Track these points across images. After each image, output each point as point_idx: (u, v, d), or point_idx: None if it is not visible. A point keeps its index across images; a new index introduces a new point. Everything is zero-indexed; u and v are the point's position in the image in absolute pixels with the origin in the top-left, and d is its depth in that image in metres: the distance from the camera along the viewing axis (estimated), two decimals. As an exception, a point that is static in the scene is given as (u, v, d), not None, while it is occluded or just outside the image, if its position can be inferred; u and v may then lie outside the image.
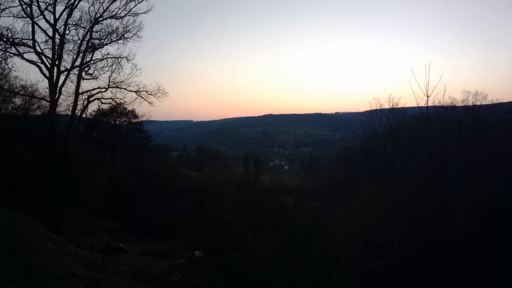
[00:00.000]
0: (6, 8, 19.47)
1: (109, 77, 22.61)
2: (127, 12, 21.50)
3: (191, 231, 27.82)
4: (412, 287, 12.01)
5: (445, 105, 25.44)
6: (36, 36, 20.05)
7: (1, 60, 19.87)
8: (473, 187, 14.97)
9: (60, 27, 20.61)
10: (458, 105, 36.38)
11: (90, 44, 21.62)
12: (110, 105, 26.09)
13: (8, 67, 20.63)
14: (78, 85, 21.71)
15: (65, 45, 20.81)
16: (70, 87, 21.79)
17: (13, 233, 9.77)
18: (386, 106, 33.98)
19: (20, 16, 19.73)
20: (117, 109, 38.43)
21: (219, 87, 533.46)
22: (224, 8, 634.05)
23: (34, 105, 30.07)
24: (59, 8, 20.52)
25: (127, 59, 22.56)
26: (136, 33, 22.07)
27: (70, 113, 22.26)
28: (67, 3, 20.49)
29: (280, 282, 13.28)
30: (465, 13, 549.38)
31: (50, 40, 20.43)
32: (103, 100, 23.46)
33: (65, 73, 21.17)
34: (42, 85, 40.36)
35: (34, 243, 9.24)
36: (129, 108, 30.19)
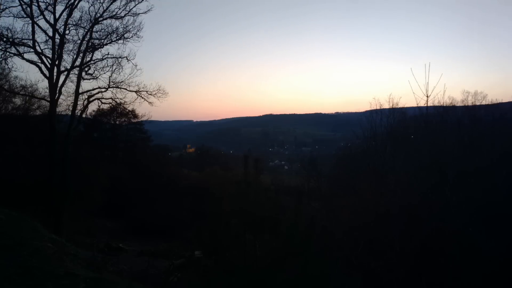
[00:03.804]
0: (6, 8, 19.52)
1: (109, 77, 22.67)
2: (127, 12, 21.54)
3: (191, 231, 27.85)
4: (412, 287, 12.01)
5: (445, 105, 25.42)
6: (36, 36, 20.11)
7: (1, 60, 19.92)
8: (473, 187, 14.96)
9: (60, 27, 20.65)
10: (458, 105, 36.40)
11: (90, 44, 21.63)
12: (110, 105, 26.14)
13: (8, 67, 20.69)
14: (78, 85, 21.74)
15: (65, 45, 20.85)
16: (70, 87, 21.84)
17: (13, 233, 9.78)
18: (386, 106, 33.97)
19: (20, 16, 19.78)
20: (117, 109, 38.44)
21: (219, 87, 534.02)
22: (225, 8, 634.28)
23: (34, 105, 30.06)
24: (59, 8, 20.58)
25: (127, 59, 22.59)
26: (136, 33, 22.11)
27: (70, 113, 22.27)
28: (67, 3, 20.52)
29: (280, 282, 13.29)
30: (465, 13, 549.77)
31: (50, 40, 20.47)
32: (103, 100, 23.51)
33: (65, 73, 21.21)
34: (42, 85, 40.37)
35: (34, 243, 9.24)
36: (129, 108, 30.22)
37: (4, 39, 19.56)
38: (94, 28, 21.56)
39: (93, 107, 40.55)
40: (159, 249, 24.46)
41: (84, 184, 28.66)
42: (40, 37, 20.67)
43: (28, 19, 19.79)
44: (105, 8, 21.15)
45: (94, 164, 33.31)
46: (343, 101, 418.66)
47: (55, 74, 20.64)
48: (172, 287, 16.12)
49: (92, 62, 22.12)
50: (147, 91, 23.21)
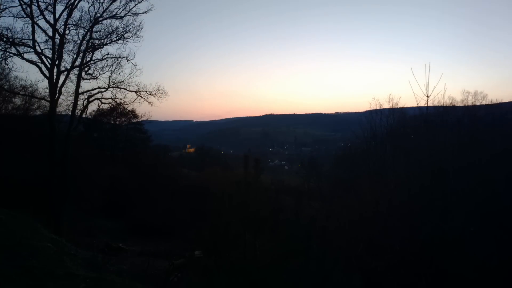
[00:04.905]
0: (6, 8, 19.48)
1: (109, 77, 22.64)
2: (127, 12, 21.51)
3: (191, 231, 27.83)
4: (412, 287, 12.01)
5: (445, 105, 25.50)
6: (36, 36, 20.07)
7: (1, 60, 19.87)
8: (473, 187, 14.97)
9: (60, 27, 20.62)
10: (458, 105, 36.49)
11: (90, 44, 21.61)
12: (110, 105, 26.10)
13: (8, 67, 20.64)
14: (78, 85, 21.72)
15: (65, 45, 20.81)
16: (70, 87, 21.82)
17: (13, 233, 9.77)
18: (386, 106, 34.10)
19: (20, 16, 19.74)
20: (117, 109, 38.36)
21: (219, 87, 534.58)
22: (225, 8, 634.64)
23: (34, 105, 30.07)
24: (59, 8, 20.54)
25: (127, 59, 22.56)
26: (136, 33, 22.06)
27: (70, 113, 22.25)
28: (67, 3, 20.49)
29: (280, 282, 13.29)
30: (465, 13, 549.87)
31: (50, 40, 20.44)
32: (103, 100, 23.48)
33: (65, 73, 21.19)
34: (42, 85, 40.42)
35: (34, 243, 9.24)
36: (129, 108, 30.21)
37: (4, 39, 19.53)
38: (94, 28, 21.55)
39: (93, 107, 40.52)
40: (159, 249, 24.44)
41: (84, 184, 28.65)
42: (40, 37, 20.66)
43: (28, 19, 19.77)
44: (105, 8, 21.15)
45: (94, 164, 33.30)
46: (343, 101, 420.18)
47: (55, 74, 20.62)
48: (172, 287, 16.12)
49: (92, 62, 22.12)
50: (147, 91, 23.21)
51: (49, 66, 20.44)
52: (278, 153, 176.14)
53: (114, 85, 22.82)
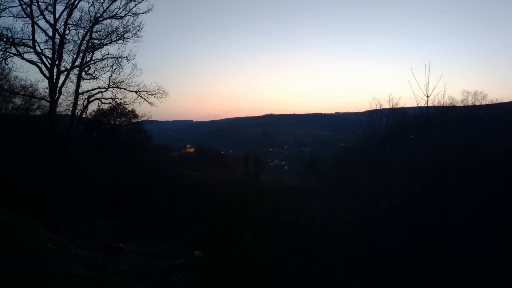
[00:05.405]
0: (6, 8, 19.46)
1: (109, 77, 22.61)
2: (127, 12, 21.47)
3: (191, 231, 27.82)
4: (412, 287, 12.01)
5: (445, 105, 25.48)
6: (36, 36, 20.05)
7: (1, 60, 19.85)
8: (473, 187, 14.96)
9: (60, 27, 20.60)
10: (458, 105, 36.51)
11: (90, 44, 21.59)
12: (110, 105, 26.06)
13: (8, 67, 20.60)
14: (78, 85, 21.71)
15: (65, 45, 20.79)
16: (70, 87, 21.80)
17: (13, 233, 9.78)
18: (386, 106, 34.13)
19: (20, 16, 19.73)
20: (117, 109, 38.36)
21: (219, 87, 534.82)
22: (226, 8, 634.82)
23: (34, 105, 30.04)
24: (59, 8, 20.52)
25: (127, 59, 22.53)
26: (136, 33, 22.02)
27: (70, 113, 22.25)
28: (67, 3, 20.48)
29: (280, 282, 13.29)
30: (465, 12, 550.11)
31: (50, 40, 20.42)
32: (103, 100, 23.44)
33: (65, 73, 21.17)
34: (42, 85, 40.40)
35: (34, 243, 9.25)
36: (129, 108, 30.17)
37: (4, 39, 19.52)
38: (94, 28, 21.52)
39: (93, 107, 40.65)
40: (159, 249, 24.43)
41: (84, 184, 28.63)
42: (40, 37, 20.65)
43: (28, 19, 19.75)
44: (105, 8, 21.11)
45: (94, 164, 33.28)
46: (343, 101, 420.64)
47: (55, 74, 20.60)
48: (172, 287, 16.12)
49: (92, 62, 22.09)
50: (147, 91, 23.17)
51: (49, 66, 20.44)
52: (278, 153, 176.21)
53: (114, 85, 22.81)
